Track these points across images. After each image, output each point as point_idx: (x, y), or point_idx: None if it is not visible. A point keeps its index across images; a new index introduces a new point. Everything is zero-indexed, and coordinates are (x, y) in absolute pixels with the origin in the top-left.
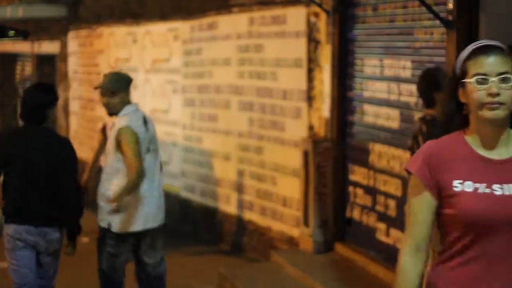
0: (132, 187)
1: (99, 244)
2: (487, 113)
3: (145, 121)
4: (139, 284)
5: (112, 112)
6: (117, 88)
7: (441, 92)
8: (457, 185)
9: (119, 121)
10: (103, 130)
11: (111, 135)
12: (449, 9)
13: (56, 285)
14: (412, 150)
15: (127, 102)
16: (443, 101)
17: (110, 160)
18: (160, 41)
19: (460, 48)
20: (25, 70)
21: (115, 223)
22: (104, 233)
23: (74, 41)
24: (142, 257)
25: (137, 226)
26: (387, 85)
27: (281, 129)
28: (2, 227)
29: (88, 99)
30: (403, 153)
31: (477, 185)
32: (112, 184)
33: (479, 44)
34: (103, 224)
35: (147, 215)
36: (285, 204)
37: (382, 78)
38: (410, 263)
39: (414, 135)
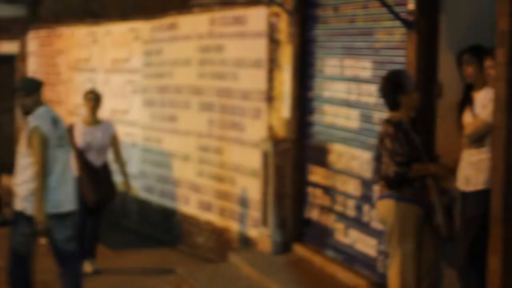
0: (37, 177)
1: (13, 226)
2: None
3: (55, 120)
4: (56, 261)
5: (27, 111)
6: (30, 91)
7: (406, 94)
8: None
9: (31, 121)
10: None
11: (25, 132)
12: (410, 10)
13: None
14: (378, 152)
15: (39, 103)
16: (408, 103)
17: (23, 154)
18: (120, 41)
19: (420, 49)
20: None
21: (29, 207)
22: (18, 216)
23: (34, 41)
24: (53, 235)
25: (49, 210)
26: (347, 86)
27: (241, 130)
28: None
29: (47, 100)
30: (363, 153)
31: None
32: (24, 175)
33: None
34: (18, 208)
35: (57, 202)
36: (244, 205)
37: (342, 79)
38: None
39: (380, 137)
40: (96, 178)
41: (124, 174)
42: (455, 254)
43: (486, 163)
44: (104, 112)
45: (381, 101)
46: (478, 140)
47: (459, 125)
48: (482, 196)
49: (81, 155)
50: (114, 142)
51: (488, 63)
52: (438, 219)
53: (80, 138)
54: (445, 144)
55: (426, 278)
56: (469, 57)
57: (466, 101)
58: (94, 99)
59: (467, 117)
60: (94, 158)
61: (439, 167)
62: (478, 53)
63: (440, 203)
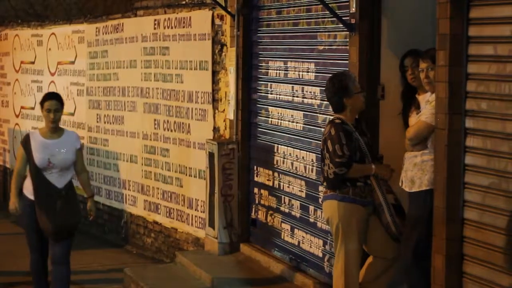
0: None
1: None
2: None
3: None
4: None
5: None
6: None
7: (350, 97)
8: None
9: None
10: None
11: None
12: (352, 13)
13: None
14: (322, 154)
15: None
16: (352, 105)
17: None
18: (65, 44)
19: (362, 51)
20: None
21: None
22: None
23: None
24: None
25: None
26: (291, 88)
27: (187, 131)
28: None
29: None
30: (307, 154)
31: None
32: None
33: None
34: None
35: None
36: (191, 206)
37: (286, 81)
38: None
39: (323, 139)
40: (56, 203)
41: (89, 197)
42: (400, 254)
43: (430, 164)
44: None
45: (324, 102)
46: (420, 142)
47: (406, 129)
48: (426, 196)
49: (38, 174)
50: (78, 158)
51: (422, 66)
52: (386, 218)
53: (38, 153)
54: (388, 144)
55: (382, 277)
56: (413, 61)
57: (410, 105)
58: (55, 105)
59: (414, 120)
60: (55, 179)
61: (379, 167)
62: (418, 56)
63: (386, 203)
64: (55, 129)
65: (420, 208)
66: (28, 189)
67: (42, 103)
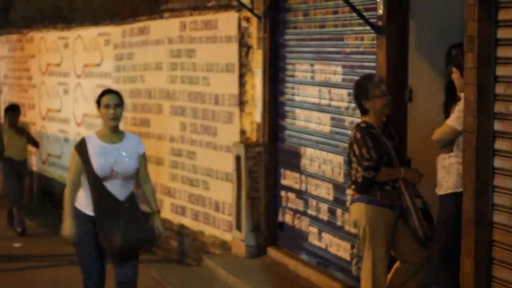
0: None
1: None
2: None
3: None
4: None
5: None
6: None
7: (369, 100)
8: None
9: None
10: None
11: None
12: (379, 15)
13: None
14: (348, 158)
15: None
16: (373, 108)
17: None
18: (92, 46)
19: (390, 53)
20: None
21: None
22: None
23: (4, 45)
24: None
25: None
26: (318, 90)
27: (213, 134)
28: None
29: (19, 104)
30: (334, 157)
31: None
32: None
33: None
34: None
35: None
36: (218, 209)
37: (313, 83)
38: None
39: (349, 142)
40: (121, 218)
41: (155, 212)
42: (429, 258)
43: (455, 167)
44: (76, 117)
45: (352, 105)
46: (447, 144)
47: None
48: (452, 199)
49: (99, 185)
50: (142, 165)
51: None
52: (414, 222)
53: (98, 160)
54: (416, 148)
55: (410, 282)
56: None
57: (453, 99)
58: (115, 100)
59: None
60: (117, 190)
61: (408, 171)
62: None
63: (414, 206)
64: (115, 129)
65: (446, 211)
66: (83, 203)
67: (99, 100)
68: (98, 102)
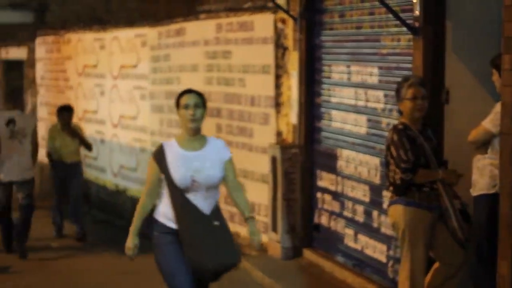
0: None
1: None
2: None
3: (10, 121)
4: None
5: None
6: None
7: (400, 101)
8: None
9: None
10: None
11: None
12: (416, 16)
13: None
14: (386, 160)
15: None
16: (404, 110)
17: None
18: (128, 47)
19: (427, 55)
20: None
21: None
22: None
23: (41, 47)
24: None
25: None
26: (354, 91)
27: (249, 135)
28: None
29: (55, 105)
30: (371, 159)
31: None
32: None
33: None
34: None
35: (8, 172)
36: (254, 210)
37: (349, 84)
38: None
39: (387, 145)
40: (208, 234)
41: (249, 218)
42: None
43: (488, 169)
44: (113, 118)
45: (388, 106)
46: (482, 146)
47: None
48: (484, 200)
49: (181, 197)
50: (229, 171)
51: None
52: (452, 224)
53: (178, 169)
54: (453, 149)
55: (448, 284)
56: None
57: None
58: (195, 99)
59: None
60: (201, 202)
61: (446, 172)
62: None
63: (452, 208)
64: (195, 133)
65: (479, 212)
66: (166, 215)
67: (177, 100)
68: (177, 103)
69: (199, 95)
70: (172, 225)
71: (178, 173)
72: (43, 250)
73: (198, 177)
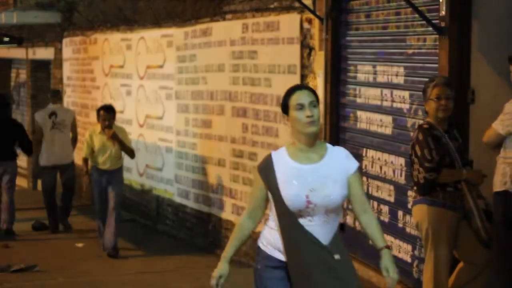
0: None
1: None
2: None
3: (52, 113)
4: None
5: None
6: None
7: (425, 101)
8: None
9: None
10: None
11: None
12: (442, 16)
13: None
14: (410, 159)
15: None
16: (428, 110)
17: None
18: (154, 48)
19: (452, 54)
20: (20, 77)
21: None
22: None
23: (68, 47)
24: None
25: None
26: (380, 92)
27: (275, 135)
28: None
29: (82, 105)
30: (396, 159)
31: None
32: None
33: None
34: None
35: (49, 158)
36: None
37: (375, 85)
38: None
39: (412, 144)
40: (327, 272)
41: (383, 248)
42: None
43: (501, 167)
44: (139, 118)
45: (414, 106)
46: (497, 146)
47: None
48: (498, 198)
49: (291, 223)
50: (355, 188)
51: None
52: (476, 223)
53: (289, 187)
54: (479, 149)
55: (473, 284)
56: None
57: None
58: (312, 103)
59: None
60: (317, 229)
61: (470, 172)
62: None
63: (476, 208)
64: (313, 140)
65: (495, 210)
66: (273, 244)
67: (286, 101)
68: (285, 105)
69: (312, 91)
70: (281, 256)
71: (290, 192)
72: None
73: (315, 198)
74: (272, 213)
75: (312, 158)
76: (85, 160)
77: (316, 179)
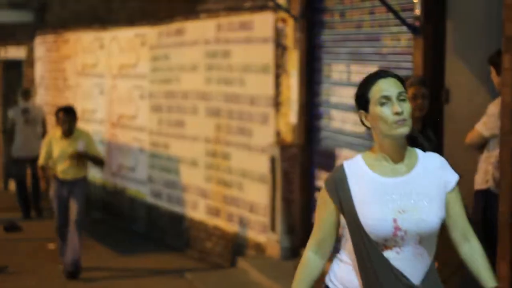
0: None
1: None
2: None
3: (25, 110)
4: None
5: None
6: None
7: None
8: None
9: None
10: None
11: None
12: (416, 16)
13: None
14: None
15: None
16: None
17: None
18: (127, 47)
19: (427, 54)
20: None
21: None
22: None
23: (41, 46)
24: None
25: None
26: (354, 91)
27: (249, 135)
28: None
29: (55, 105)
30: None
31: None
32: None
33: None
34: None
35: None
36: (252, 210)
37: (349, 84)
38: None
39: None
40: None
41: None
42: None
43: (484, 166)
44: (111, 118)
45: None
46: (480, 147)
47: None
48: (479, 196)
49: (373, 255)
50: (456, 210)
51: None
52: None
53: (371, 209)
54: (453, 149)
55: (449, 285)
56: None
57: None
58: (401, 95)
59: None
60: (407, 263)
61: None
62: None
63: None
64: (403, 144)
65: (475, 209)
66: (349, 284)
67: (363, 93)
68: (363, 97)
69: (400, 79)
70: None
71: (372, 216)
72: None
73: (406, 222)
74: (346, 243)
75: (399, 169)
76: (42, 169)
77: (406, 197)
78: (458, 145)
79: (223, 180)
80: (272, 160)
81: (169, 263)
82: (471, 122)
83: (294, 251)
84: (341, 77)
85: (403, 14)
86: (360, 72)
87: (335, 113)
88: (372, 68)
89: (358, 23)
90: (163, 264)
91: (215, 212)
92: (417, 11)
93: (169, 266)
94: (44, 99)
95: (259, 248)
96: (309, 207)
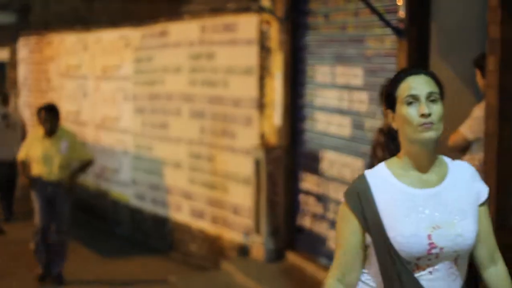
0: None
1: None
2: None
3: (4, 115)
4: None
5: None
6: None
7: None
8: None
9: None
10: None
11: None
12: (401, 18)
13: None
14: (371, 160)
15: None
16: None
17: None
18: (111, 48)
19: (411, 56)
20: None
21: None
22: None
23: (24, 48)
24: None
25: None
26: (338, 93)
27: (233, 137)
28: None
29: (38, 106)
30: (354, 161)
31: None
32: None
33: None
34: None
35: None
36: (237, 212)
37: (334, 86)
38: None
39: (372, 145)
40: None
41: None
42: None
43: None
44: (95, 119)
45: (372, 108)
46: (464, 150)
47: None
48: None
49: (403, 276)
50: (482, 229)
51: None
52: None
53: (403, 225)
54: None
55: None
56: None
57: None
58: (432, 95)
59: None
60: (440, 285)
61: None
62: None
63: None
64: (430, 154)
65: None
66: None
67: (390, 91)
68: (391, 95)
69: (434, 77)
70: None
71: (403, 232)
72: None
73: (442, 239)
74: (372, 264)
75: (430, 179)
76: (22, 164)
77: (440, 211)
78: (442, 147)
79: (207, 182)
80: (257, 162)
81: (153, 266)
82: (455, 125)
83: (278, 253)
84: (326, 79)
85: (387, 16)
86: (344, 74)
87: (319, 115)
88: (357, 71)
89: (343, 25)
90: (147, 267)
91: (199, 214)
92: (401, 13)
93: (153, 269)
94: (27, 100)
95: (244, 250)
96: (293, 209)
